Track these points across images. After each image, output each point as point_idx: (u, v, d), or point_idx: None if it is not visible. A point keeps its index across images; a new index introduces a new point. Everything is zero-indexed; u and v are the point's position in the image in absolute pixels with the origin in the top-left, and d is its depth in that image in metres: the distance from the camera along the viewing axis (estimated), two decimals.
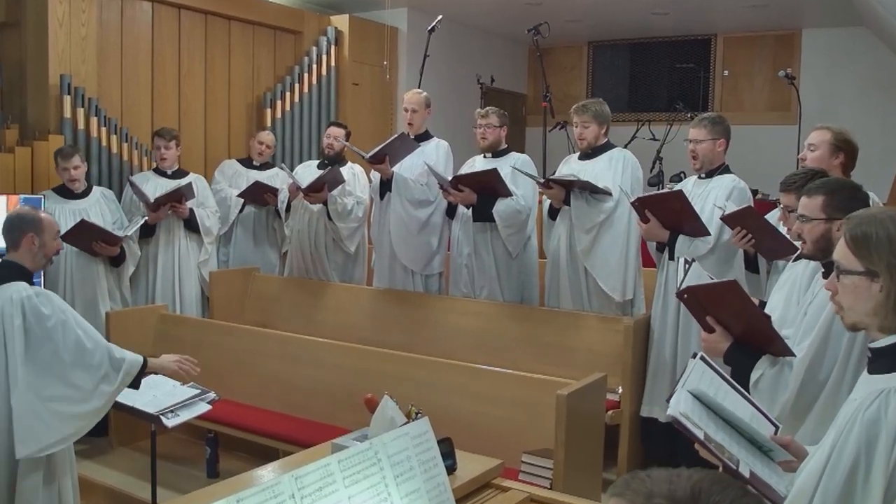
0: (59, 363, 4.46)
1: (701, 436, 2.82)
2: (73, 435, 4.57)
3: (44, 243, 4.80)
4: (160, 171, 8.50)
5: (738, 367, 3.82)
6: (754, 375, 3.80)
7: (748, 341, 3.88)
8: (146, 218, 7.92)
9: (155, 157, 8.55)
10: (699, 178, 6.63)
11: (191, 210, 8.31)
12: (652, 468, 1.65)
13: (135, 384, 4.77)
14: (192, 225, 8.41)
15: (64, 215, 7.57)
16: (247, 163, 9.44)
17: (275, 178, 9.22)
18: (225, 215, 8.99)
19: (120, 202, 8.29)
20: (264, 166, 9.42)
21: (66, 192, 7.74)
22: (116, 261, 7.79)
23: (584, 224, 6.90)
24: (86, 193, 7.85)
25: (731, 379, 3.33)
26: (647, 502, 1.56)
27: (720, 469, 2.80)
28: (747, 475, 2.79)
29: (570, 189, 6.91)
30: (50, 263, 4.97)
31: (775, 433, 3.17)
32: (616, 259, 6.91)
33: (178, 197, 8.08)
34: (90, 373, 4.55)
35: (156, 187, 8.25)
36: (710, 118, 6.57)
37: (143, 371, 4.78)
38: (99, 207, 7.85)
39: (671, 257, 6.47)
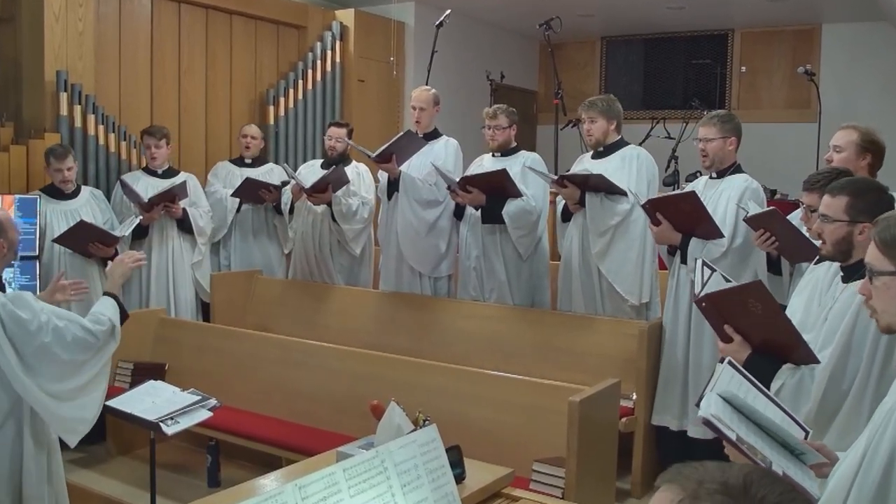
0: (57, 360, 4.32)
1: (733, 437, 2.81)
2: (103, 394, 4.58)
3: (11, 243, 4.56)
4: (150, 171, 8.50)
5: (758, 376, 3.80)
6: (775, 385, 3.77)
7: (768, 350, 3.86)
8: (140, 217, 7.92)
9: (145, 157, 8.55)
10: (710, 178, 6.61)
11: (184, 210, 8.31)
12: (705, 460, 1.69)
13: (125, 317, 4.75)
14: (185, 225, 8.41)
15: (55, 216, 7.60)
16: (239, 162, 9.43)
17: (269, 173, 9.23)
18: (222, 217, 8.99)
19: (109, 202, 8.30)
20: (257, 162, 9.42)
21: (55, 193, 7.73)
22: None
23: (599, 227, 6.89)
24: (75, 194, 7.84)
25: (759, 384, 3.31)
26: (698, 488, 1.59)
27: None
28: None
29: (585, 188, 6.90)
30: (14, 259, 4.85)
31: (805, 438, 3.16)
32: (633, 262, 6.90)
33: (172, 196, 8.08)
34: (91, 352, 4.46)
35: (147, 187, 8.24)
36: (719, 116, 6.54)
37: (121, 304, 4.74)
38: (89, 208, 7.85)
39: (683, 261, 6.45)
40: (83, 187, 7.95)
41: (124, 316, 4.74)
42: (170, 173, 8.53)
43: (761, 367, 3.82)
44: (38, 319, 4.26)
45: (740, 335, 3.90)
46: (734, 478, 1.59)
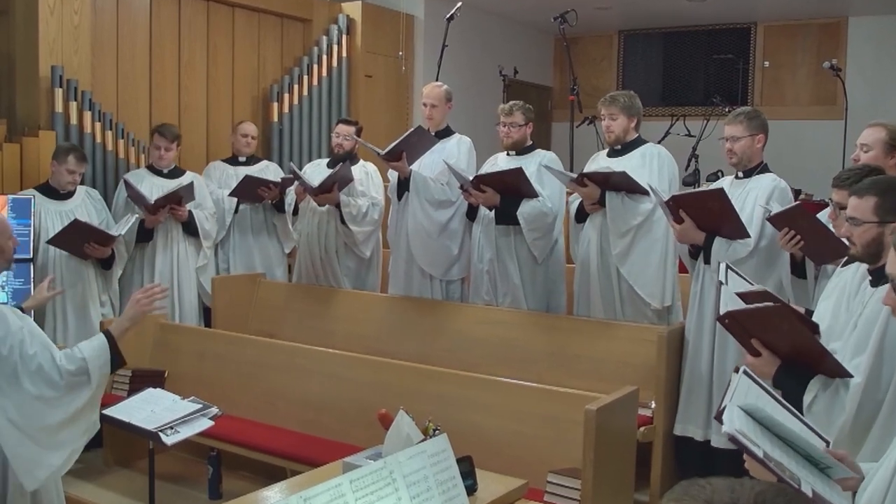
0: (20, 389, 4.11)
1: (760, 453, 2.80)
2: (76, 451, 4.31)
3: (2, 249, 4.47)
4: (155, 170, 8.50)
5: (789, 390, 3.78)
6: (807, 398, 3.75)
7: (797, 360, 3.83)
8: (137, 216, 7.90)
9: (151, 155, 8.54)
10: (736, 177, 6.58)
11: (189, 212, 8.32)
12: (712, 477, 1.66)
13: (117, 362, 4.48)
14: (190, 228, 8.42)
15: (50, 217, 7.59)
16: (233, 161, 9.41)
17: (265, 171, 9.21)
18: (220, 218, 8.97)
19: (113, 202, 8.34)
20: (251, 160, 9.40)
21: (50, 192, 7.71)
22: (107, 263, 7.81)
23: (620, 227, 6.85)
24: (70, 193, 7.81)
25: (775, 394, 3.29)
26: None
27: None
28: (810, 494, 2.77)
29: (606, 186, 6.88)
30: (7, 268, 4.71)
31: (826, 447, 3.15)
32: (655, 264, 6.85)
33: (177, 199, 8.08)
34: (53, 391, 4.20)
35: (151, 187, 8.25)
36: (745, 113, 6.51)
37: (116, 347, 4.45)
38: (85, 208, 7.84)
39: (707, 261, 6.42)
40: (79, 187, 7.91)
41: (118, 361, 4.49)
42: (175, 173, 8.53)
43: (792, 381, 3.81)
44: (13, 338, 4.09)
45: (768, 348, 3.88)
46: (745, 498, 1.57)
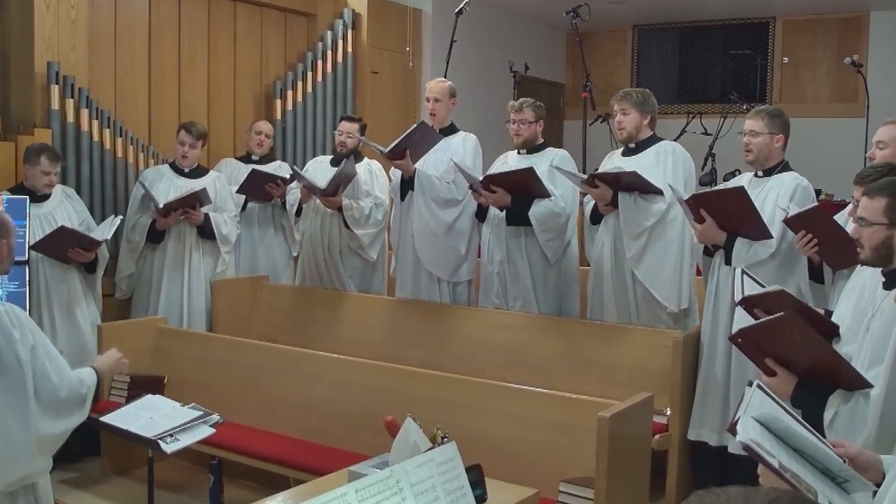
0: (26, 394, 4.12)
1: (776, 464, 2.78)
2: (46, 467, 4.31)
3: (10, 247, 4.56)
4: (177, 168, 8.52)
5: (809, 408, 3.76)
6: (828, 415, 3.73)
7: (815, 374, 3.81)
8: (120, 217, 7.90)
9: (176, 152, 8.57)
10: (756, 176, 6.55)
11: (206, 215, 8.28)
12: (728, 486, 1.67)
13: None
14: (205, 232, 8.38)
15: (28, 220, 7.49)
16: (246, 160, 9.39)
17: (278, 171, 9.13)
18: None
19: (129, 201, 8.38)
20: (264, 160, 9.39)
21: (25, 194, 7.47)
22: (90, 267, 7.73)
23: (633, 229, 6.83)
24: (47, 195, 7.65)
25: (790, 410, 3.28)
26: None
27: None
28: None
29: (618, 187, 6.86)
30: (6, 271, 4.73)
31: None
32: (671, 266, 6.83)
33: (193, 202, 8.08)
34: (57, 407, 4.24)
35: (170, 187, 8.28)
36: (768, 110, 6.49)
37: (99, 384, 4.57)
38: (64, 209, 7.72)
39: (727, 262, 6.39)
40: (56, 186, 7.74)
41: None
42: (197, 173, 8.55)
43: (811, 398, 3.78)
44: (26, 342, 4.12)
45: (783, 365, 3.86)
46: None
